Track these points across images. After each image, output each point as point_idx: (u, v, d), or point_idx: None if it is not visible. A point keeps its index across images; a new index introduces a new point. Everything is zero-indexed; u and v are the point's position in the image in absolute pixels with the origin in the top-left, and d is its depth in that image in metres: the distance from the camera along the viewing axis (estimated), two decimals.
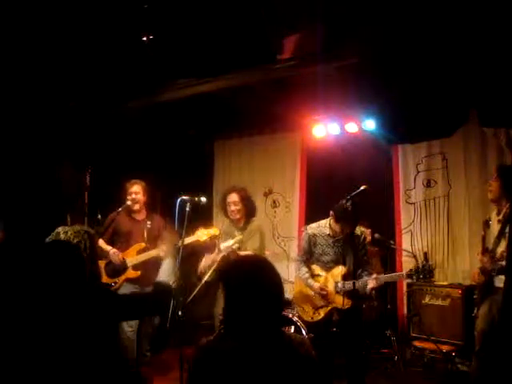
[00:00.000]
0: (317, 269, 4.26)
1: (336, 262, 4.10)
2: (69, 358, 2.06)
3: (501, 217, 3.62)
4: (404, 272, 4.26)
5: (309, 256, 4.27)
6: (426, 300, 5.00)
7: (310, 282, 4.20)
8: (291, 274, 6.24)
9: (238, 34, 4.15)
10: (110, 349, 2.23)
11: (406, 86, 4.83)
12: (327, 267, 4.17)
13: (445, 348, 4.70)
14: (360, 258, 4.03)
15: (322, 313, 4.16)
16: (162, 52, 4.51)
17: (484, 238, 3.65)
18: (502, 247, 3.54)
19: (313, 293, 4.19)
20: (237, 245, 4.33)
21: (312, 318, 4.21)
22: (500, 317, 3.29)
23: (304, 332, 4.63)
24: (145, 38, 4.31)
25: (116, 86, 5.12)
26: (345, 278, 4.04)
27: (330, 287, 4.11)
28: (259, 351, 1.82)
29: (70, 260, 2.21)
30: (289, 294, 6.01)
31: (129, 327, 4.54)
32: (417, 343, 4.96)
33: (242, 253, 4.21)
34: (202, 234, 4.38)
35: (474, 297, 3.99)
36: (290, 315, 4.80)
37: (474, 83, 4.66)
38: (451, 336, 4.75)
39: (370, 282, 3.97)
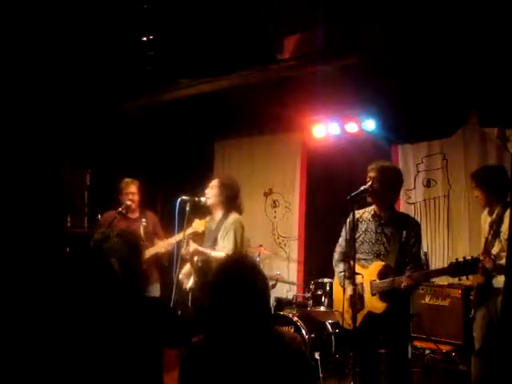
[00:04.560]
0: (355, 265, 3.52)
1: (376, 255, 3.46)
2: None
3: (494, 217, 3.62)
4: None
5: (348, 248, 3.55)
6: (426, 300, 4.99)
7: (346, 283, 3.49)
8: (291, 275, 6.26)
9: (238, 34, 4.15)
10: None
11: (406, 86, 4.83)
12: (367, 261, 3.48)
13: (445, 348, 4.69)
14: (407, 251, 3.39)
15: (358, 319, 3.39)
16: (162, 52, 4.51)
17: (487, 240, 3.64)
18: (496, 247, 3.54)
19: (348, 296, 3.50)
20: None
21: (350, 325, 3.44)
22: (500, 317, 3.29)
23: (304, 332, 4.64)
24: (145, 38, 4.31)
25: (116, 85, 5.13)
26: (381, 275, 3.40)
27: (367, 288, 3.44)
28: (247, 348, 1.83)
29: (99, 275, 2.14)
30: (288, 294, 6.05)
31: None
32: (417, 343, 4.95)
33: (215, 254, 3.95)
34: (199, 226, 4.38)
35: (470, 297, 3.98)
36: (290, 315, 4.81)
37: (474, 83, 4.66)
38: (451, 336, 4.74)
39: (404, 280, 3.27)
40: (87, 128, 5.74)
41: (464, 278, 3.85)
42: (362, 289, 3.44)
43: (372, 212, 3.57)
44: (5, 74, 4.61)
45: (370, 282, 3.41)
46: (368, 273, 3.45)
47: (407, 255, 3.40)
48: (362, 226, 3.56)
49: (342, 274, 3.55)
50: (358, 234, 3.54)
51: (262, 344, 1.84)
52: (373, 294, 3.39)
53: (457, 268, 3.20)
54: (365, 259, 3.50)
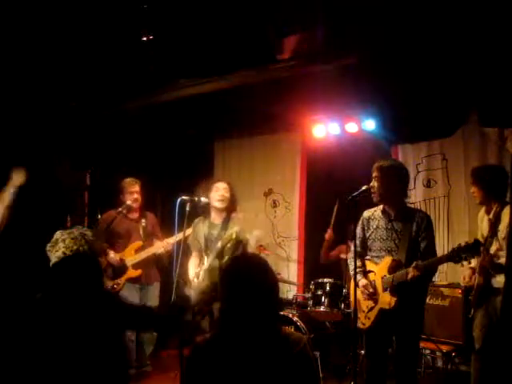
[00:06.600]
0: (368, 263, 3.60)
1: (388, 251, 3.46)
2: (73, 361, 2.08)
3: (491, 216, 3.62)
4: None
5: (363, 247, 3.62)
6: (426, 300, 4.99)
7: (357, 277, 3.52)
8: (291, 275, 6.26)
9: (239, 34, 4.16)
10: (113, 353, 2.26)
11: (405, 86, 4.83)
12: (379, 258, 3.50)
13: (445, 348, 4.69)
14: (418, 245, 3.38)
15: (371, 317, 3.46)
16: (162, 52, 4.51)
17: (487, 239, 3.63)
18: (494, 246, 3.54)
19: (361, 293, 3.52)
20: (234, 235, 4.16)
21: (364, 325, 3.50)
22: (500, 317, 3.29)
23: (304, 332, 4.64)
24: (145, 38, 4.31)
25: (116, 85, 5.13)
26: (392, 270, 3.38)
27: (378, 284, 3.46)
28: (254, 348, 1.82)
29: (89, 272, 2.27)
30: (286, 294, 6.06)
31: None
32: None
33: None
34: None
35: (470, 298, 3.98)
36: (290, 315, 4.81)
37: (474, 83, 4.66)
38: (451, 336, 4.74)
39: (410, 271, 3.23)
40: (87, 128, 5.74)
41: (464, 278, 3.86)
42: (375, 285, 3.45)
43: (382, 209, 3.58)
44: (6, 75, 4.62)
45: (381, 278, 3.41)
46: (379, 269, 3.46)
47: (418, 249, 3.38)
48: (373, 224, 3.57)
49: (354, 270, 3.52)
50: (370, 232, 3.57)
51: (268, 344, 1.83)
52: (384, 290, 3.38)
53: (458, 252, 3.16)
54: (377, 256, 3.51)
